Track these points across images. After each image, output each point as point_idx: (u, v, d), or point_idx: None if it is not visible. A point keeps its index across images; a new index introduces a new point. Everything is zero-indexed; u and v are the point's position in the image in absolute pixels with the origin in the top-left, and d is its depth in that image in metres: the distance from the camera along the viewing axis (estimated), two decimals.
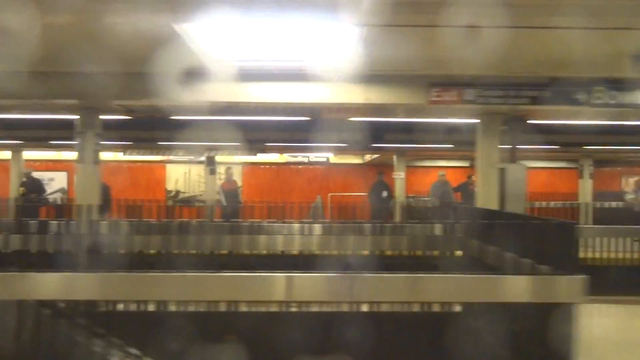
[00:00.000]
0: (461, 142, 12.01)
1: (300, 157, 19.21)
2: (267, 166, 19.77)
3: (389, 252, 5.71)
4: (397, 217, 13.40)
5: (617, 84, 5.29)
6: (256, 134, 10.94)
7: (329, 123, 8.91)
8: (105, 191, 11.94)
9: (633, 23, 4.24)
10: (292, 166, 19.60)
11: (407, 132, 11.06)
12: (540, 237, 3.62)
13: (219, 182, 12.94)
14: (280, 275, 2.90)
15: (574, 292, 3.16)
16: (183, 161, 18.45)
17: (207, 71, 4.51)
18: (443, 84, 5.28)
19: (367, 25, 4.51)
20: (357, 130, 10.95)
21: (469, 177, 14.40)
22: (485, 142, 6.32)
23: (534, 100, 5.36)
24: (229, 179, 12.41)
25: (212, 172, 12.97)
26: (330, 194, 17.85)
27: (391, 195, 12.96)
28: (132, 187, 17.41)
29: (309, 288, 3.24)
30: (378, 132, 10.96)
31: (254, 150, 12.85)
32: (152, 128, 10.22)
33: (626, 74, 5.29)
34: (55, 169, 18.82)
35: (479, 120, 6.31)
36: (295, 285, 3.33)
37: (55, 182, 18.51)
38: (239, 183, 20.32)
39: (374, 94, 5.29)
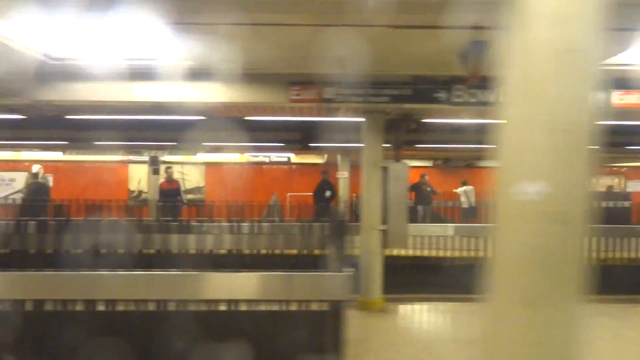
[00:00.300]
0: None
1: (261, 156, 19.25)
2: (228, 166, 19.79)
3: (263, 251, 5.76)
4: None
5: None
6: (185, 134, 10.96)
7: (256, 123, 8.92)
8: (44, 191, 11.94)
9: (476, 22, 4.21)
10: (253, 166, 19.63)
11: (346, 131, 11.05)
12: (325, 235, 3.64)
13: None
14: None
15: (339, 289, 3.18)
16: (146, 161, 18.46)
17: (49, 71, 4.51)
18: (303, 82, 5.29)
19: (217, 24, 4.51)
20: (293, 129, 10.97)
21: (422, 176, 14.44)
22: (369, 140, 6.32)
23: (395, 99, 5.36)
24: (169, 179, 12.36)
25: (155, 172, 12.97)
26: (289, 194, 17.88)
27: (334, 195, 12.96)
28: (96, 187, 17.43)
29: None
30: (315, 132, 10.92)
31: (191, 150, 12.85)
32: (87, 128, 10.24)
33: (485, 72, 5.29)
34: (17, 169, 18.80)
35: (363, 119, 6.31)
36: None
37: (16, 183, 18.49)
38: (202, 183, 20.37)
39: (235, 93, 5.29)
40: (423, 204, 13.98)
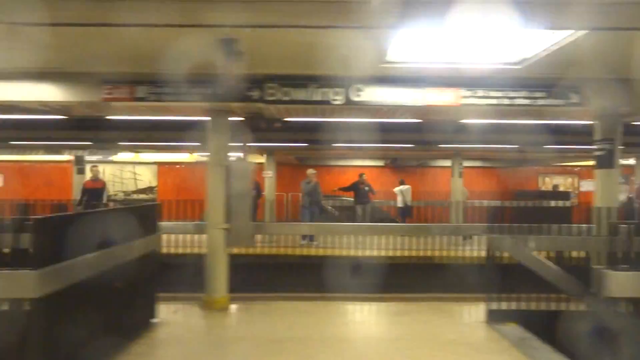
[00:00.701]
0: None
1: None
2: (180, 166, 19.83)
3: None
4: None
5: (289, 80, 5.31)
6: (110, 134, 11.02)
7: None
8: None
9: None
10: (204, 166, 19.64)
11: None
12: None
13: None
14: None
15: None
16: (92, 161, 18.49)
17: None
18: (115, 81, 5.30)
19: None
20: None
21: (360, 176, 14.50)
22: (214, 139, 6.32)
23: (207, 97, 5.36)
24: (95, 178, 12.36)
25: (80, 171, 13.00)
26: None
27: (260, 194, 12.99)
28: (44, 188, 17.47)
29: None
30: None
31: (114, 150, 12.89)
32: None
33: (296, 70, 5.31)
34: None
35: (209, 118, 6.31)
36: None
37: None
38: (154, 183, 20.39)
39: (45, 92, 5.30)
40: (361, 203, 14.04)
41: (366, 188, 14.14)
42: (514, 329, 5.40)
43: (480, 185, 18.40)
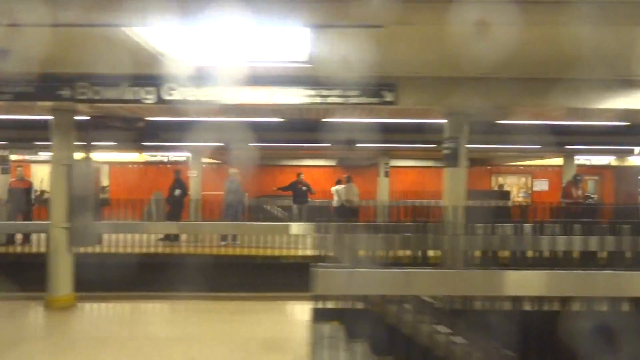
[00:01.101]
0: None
1: (159, 156, 19.33)
2: (131, 166, 19.87)
3: None
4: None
5: (101, 79, 5.31)
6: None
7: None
8: None
9: None
10: (151, 165, 19.73)
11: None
12: None
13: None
14: None
15: None
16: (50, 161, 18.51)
17: None
18: None
19: None
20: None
21: (298, 175, 14.52)
22: (57, 138, 6.32)
23: (18, 97, 5.36)
24: (20, 178, 12.39)
25: (5, 171, 13.04)
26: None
27: (185, 193, 13.00)
28: None
29: None
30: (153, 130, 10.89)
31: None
32: None
33: (109, 70, 5.29)
34: None
35: (52, 117, 6.31)
36: None
37: None
38: (106, 182, 20.40)
39: None
40: (299, 202, 14.06)
41: (304, 188, 14.17)
42: (328, 328, 5.37)
43: (427, 185, 18.38)
